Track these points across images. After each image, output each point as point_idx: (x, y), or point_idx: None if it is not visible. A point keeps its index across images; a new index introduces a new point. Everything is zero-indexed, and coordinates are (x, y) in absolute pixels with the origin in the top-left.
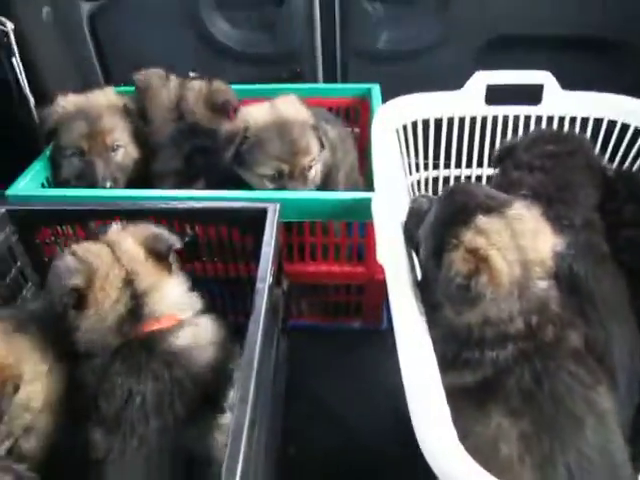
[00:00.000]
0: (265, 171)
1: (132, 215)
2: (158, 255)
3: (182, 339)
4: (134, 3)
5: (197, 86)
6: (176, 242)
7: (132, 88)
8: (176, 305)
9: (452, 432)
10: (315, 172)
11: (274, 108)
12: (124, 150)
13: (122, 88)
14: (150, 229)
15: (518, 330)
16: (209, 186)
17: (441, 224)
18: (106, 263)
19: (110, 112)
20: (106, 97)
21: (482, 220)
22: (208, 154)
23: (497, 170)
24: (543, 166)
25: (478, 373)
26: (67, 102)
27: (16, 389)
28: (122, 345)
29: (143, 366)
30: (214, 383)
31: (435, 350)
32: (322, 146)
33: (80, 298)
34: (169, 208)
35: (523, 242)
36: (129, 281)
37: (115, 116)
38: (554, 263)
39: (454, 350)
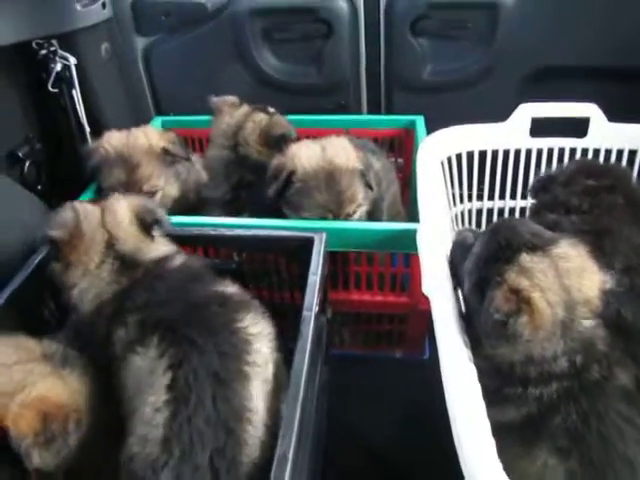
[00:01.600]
0: (310, 216)
1: (179, 241)
2: (143, 224)
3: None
4: (185, 38)
5: (258, 117)
6: (164, 219)
7: (180, 118)
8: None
9: (498, 464)
10: (360, 214)
11: (324, 152)
12: (161, 193)
13: (170, 117)
14: (144, 200)
15: (562, 369)
16: (253, 217)
17: (485, 260)
18: (92, 224)
19: (148, 158)
20: (146, 138)
21: (526, 259)
22: (254, 188)
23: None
24: (580, 207)
25: (522, 410)
26: (109, 144)
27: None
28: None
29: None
30: None
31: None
32: (370, 189)
33: (59, 252)
34: (217, 235)
35: (568, 282)
36: (111, 244)
37: (152, 162)
38: (601, 302)
39: (495, 385)
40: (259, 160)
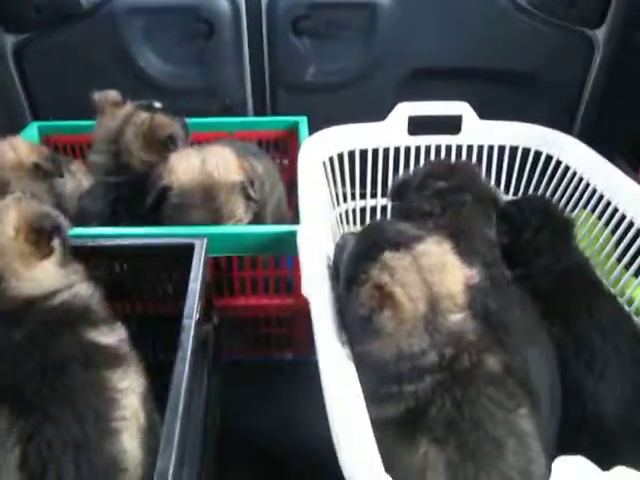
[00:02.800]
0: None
1: None
2: (37, 235)
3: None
4: (62, 36)
5: (140, 119)
6: (64, 227)
7: (60, 123)
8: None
9: (378, 462)
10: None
11: (203, 164)
12: None
13: (49, 123)
14: (38, 204)
15: (433, 363)
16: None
17: (354, 259)
18: None
19: (18, 174)
20: (15, 152)
21: (388, 256)
22: (133, 202)
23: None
24: (433, 211)
25: (400, 406)
26: None
27: None
28: None
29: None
30: None
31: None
32: (253, 201)
33: None
34: (95, 246)
35: (430, 277)
36: None
37: (23, 178)
38: (467, 296)
39: (373, 385)
40: (142, 170)
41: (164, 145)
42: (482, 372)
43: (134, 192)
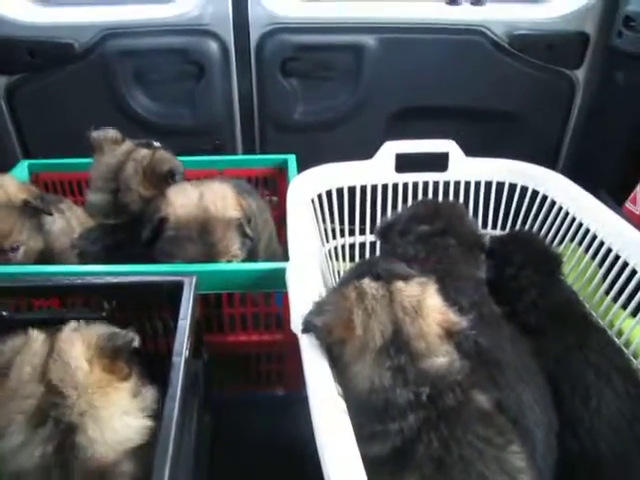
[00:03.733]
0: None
1: (45, 293)
2: (111, 355)
3: None
4: (54, 77)
5: (140, 155)
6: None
7: (50, 161)
8: (116, 439)
9: None
10: (236, 260)
11: (201, 199)
12: (24, 248)
13: (38, 161)
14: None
15: (408, 401)
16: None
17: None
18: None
19: (7, 212)
20: (3, 192)
21: (366, 282)
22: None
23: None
24: (417, 255)
25: (387, 444)
26: None
27: None
28: None
29: None
30: None
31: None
32: (249, 239)
33: None
34: (84, 284)
35: (402, 315)
36: (53, 404)
37: (12, 216)
38: (455, 338)
39: (359, 422)
40: (139, 210)
41: (164, 180)
42: (470, 410)
43: (130, 235)
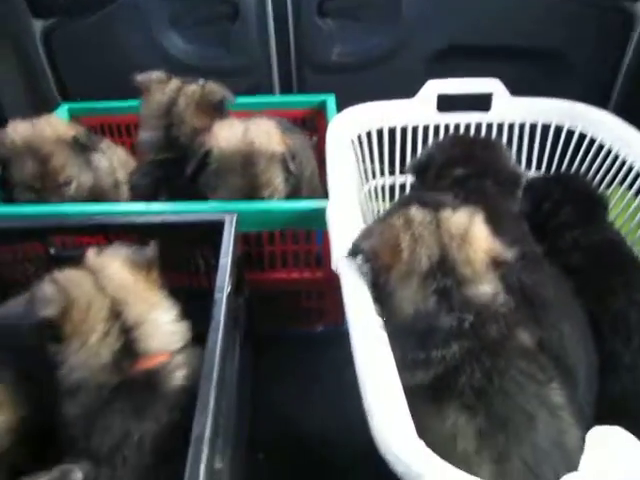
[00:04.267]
0: (226, 198)
1: (88, 231)
2: (142, 269)
3: (177, 379)
4: (88, 21)
5: (190, 90)
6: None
7: (89, 104)
8: (168, 339)
9: (411, 428)
10: (277, 195)
11: (245, 133)
12: (76, 182)
13: (78, 104)
14: (127, 249)
15: (451, 327)
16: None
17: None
18: (87, 292)
19: (59, 147)
20: (53, 129)
21: (412, 209)
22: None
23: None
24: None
25: (430, 372)
26: (15, 135)
27: None
28: (121, 383)
29: (147, 408)
30: None
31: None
32: (292, 175)
33: (57, 330)
34: (126, 222)
35: (448, 242)
36: (117, 312)
37: (64, 151)
38: (500, 271)
39: (402, 351)
40: (190, 144)
41: (217, 109)
42: (513, 345)
43: (179, 169)
